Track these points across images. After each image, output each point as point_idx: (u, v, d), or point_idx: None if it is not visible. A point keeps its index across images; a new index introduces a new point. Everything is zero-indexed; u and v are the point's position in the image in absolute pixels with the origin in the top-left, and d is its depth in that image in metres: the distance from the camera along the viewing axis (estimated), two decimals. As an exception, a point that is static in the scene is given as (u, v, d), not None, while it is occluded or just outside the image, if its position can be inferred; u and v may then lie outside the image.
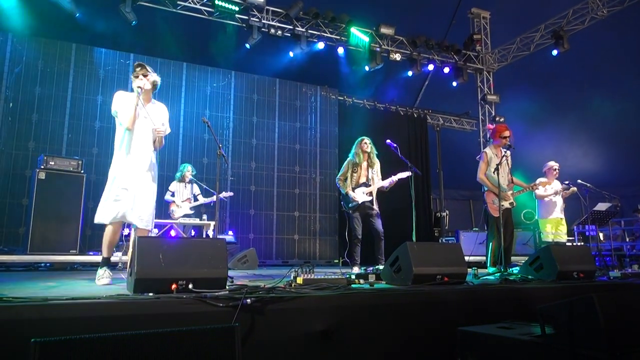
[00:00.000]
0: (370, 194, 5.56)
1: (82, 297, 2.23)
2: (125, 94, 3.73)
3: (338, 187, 5.80)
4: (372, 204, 5.54)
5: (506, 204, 5.14)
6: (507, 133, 5.34)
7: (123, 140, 3.69)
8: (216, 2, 7.57)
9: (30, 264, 5.78)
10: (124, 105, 3.63)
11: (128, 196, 3.55)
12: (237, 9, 7.85)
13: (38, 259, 5.73)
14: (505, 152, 5.30)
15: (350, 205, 5.57)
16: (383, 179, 5.60)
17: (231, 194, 7.43)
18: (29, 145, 7.07)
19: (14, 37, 7.16)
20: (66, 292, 2.65)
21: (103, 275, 3.41)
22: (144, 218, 3.60)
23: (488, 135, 5.67)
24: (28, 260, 5.69)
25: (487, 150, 5.50)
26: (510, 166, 5.45)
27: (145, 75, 3.70)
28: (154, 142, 3.79)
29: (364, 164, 5.65)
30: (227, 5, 7.71)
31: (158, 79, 3.83)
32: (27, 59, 7.21)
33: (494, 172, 5.10)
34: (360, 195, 5.53)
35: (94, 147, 7.51)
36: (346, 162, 5.75)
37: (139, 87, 3.61)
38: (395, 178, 5.53)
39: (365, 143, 5.61)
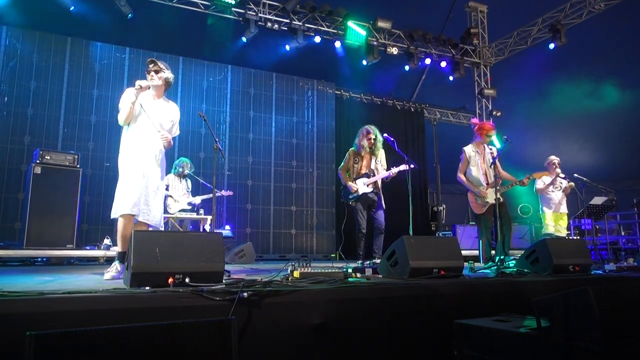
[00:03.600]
0: (374, 185, 5.32)
1: (78, 291, 2.22)
2: (132, 91, 3.62)
3: (339, 177, 5.59)
4: (375, 196, 5.31)
5: (490, 200, 5.10)
6: (493, 132, 5.35)
7: (128, 135, 3.63)
8: (212, -5, 7.54)
9: (27, 259, 5.76)
10: (125, 101, 3.56)
11: (138, 190, 3.52)
12: (233, 2, 7.80)
13: (34, 253, 5.71)
14: (499, 149, 5.28)
15: (350, 197, 5.34)
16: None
17: (230, 193, 7.35)
18: (25, 140, 7.03)
19: (9, 30, 7.10)
20: (62, 286, 2.64)
21: (111, 269, 3.33)
22: (146, 212, 3.56)
23: (474, 129, 5.60)
24: (24, 255, 5.68)
25: (466, 148, 5.39)
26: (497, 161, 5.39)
27: (157, 72, 3.63)
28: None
29: (367, 155, 5.43)
30: (223, -2, 7.67)
31: (171, 76, 3.74)
32: (21, 52, 7.16)
33: (490, 166, 5.11)
34: (361, 187, 5.29)
35: (90, 142, 7.47)
36: (348, 152, 5.55)
37: (139, 85, 3.52)
38: (394, 170, 5.29)
39: (369, 135, 5.34)
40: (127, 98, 3.56)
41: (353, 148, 5.48)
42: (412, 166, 5.29)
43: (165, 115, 3.74)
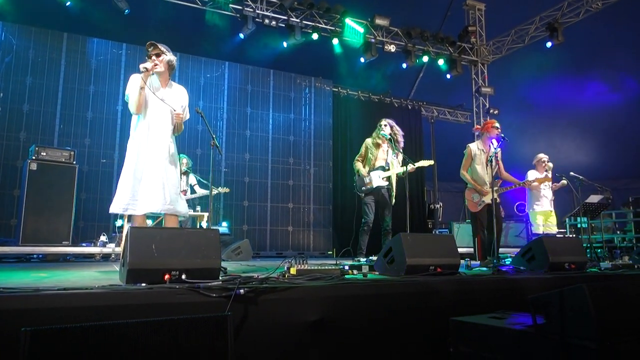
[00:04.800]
0: (388, 179, 5.19)
1: (74, 288, 2.22)
2: (138, 76, 3.50)
3: (354, 168, 5.36)
4: (389, 192, 5.18)
5: (487, 200, 5.10)
6: (497, 124, 5.33)
7: (137, 126, 3.53)
8: (210, -9, 7.50)
9: (22, 256, 5.74)
10: (133, 88, 3.46)
11: (143, 186, 3.41)
12: (230, -2, 7.78)
13: (30, 250, 5.69)
14: (496, 147, 5.26)
15: (363, 188, 5.18)
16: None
17: (227, 190, 7.33)
18: (20, 136, 6.99)
19: (4, 25, 7.05)
20: (58, 282, 2.63)
21: None
22: (170, 202, 3.46)
23: (477, 134, 5.62)
24: (20, 252, 5.66)
25: (472, 145, 5.37)
26: (499, 161, 5.38)
27: (158, 56, 3.50)
28: (174, 127, 3.61)
29: (384, 146, 5.27)
30: (220, -6, 7.64)
31: (173, 58, 3.61)
32: (17, 48, 7.11)
33: (487, 165, 5.10)
34: (375, 179, 5.14)
35: (87, 138, 7.44)
36: (365, 142, 5.38)
37: (144, 67, 3.40)
38: (414, 166, 5.02)
39: (388, 121, 5.25)
40: (135, 84, 3.47)
41: (371, 139, 5.33)
42: (432, 162, 5.24)
43: (175, 100, 3.64)
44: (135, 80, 3.51)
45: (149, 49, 3.54)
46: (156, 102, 3.54)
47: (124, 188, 3.43)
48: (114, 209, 3.45)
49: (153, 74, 3.54)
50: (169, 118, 3.59)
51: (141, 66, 3.43)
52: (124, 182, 3.45)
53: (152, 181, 3.44)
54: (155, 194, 3.44)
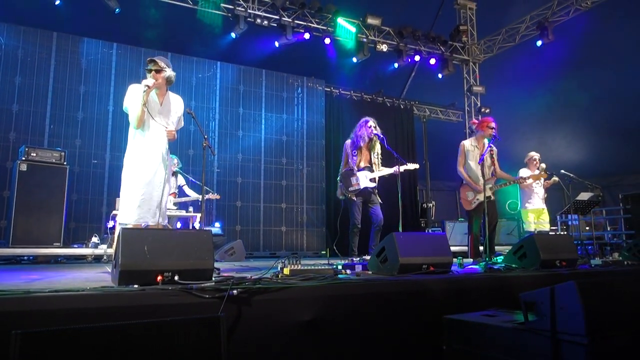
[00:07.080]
0: (374, 180, 5.19)
1: (65, 290, 2.20)
2: (138, 88, 3.59)
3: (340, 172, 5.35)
4: (375, 192, 5.19)
5: (481, 198, 5.14)
6: (493, 124, 5.37)
7: (135, 137, 3.65)
8: (201, -10, 7.48)
9: (13, 257, 5.68)
10: (133, 102, 3.55)
11: (145, 197, 3.56)
12: (222, -2, 7.75)
13: (20, 252, 5.63)
14: (490, 145, 5.30)
15: (350, 189, 5.12)
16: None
17: (218, 196, 7.28)
18: (10, 136, 6.91)
19: (-8, 25, 6.98)
20: (49, 284, 2.61)
21: None
22: (160, 214, 3.64)
23: (473, 128, 5.67)
24: (10, 254, 5.60)
25: (465, 142, 5.48)
26: (495, 159, 5.43)
27: (158, 72, 3.60)
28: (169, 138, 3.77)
29: (366, 148, 5.26)
30: (212, -6, 7.62)
31: (172, 74, 3.71)
32: (6, 47, 7.03)
33: (479, 163, 5.13)
34: (363, 180, 5.12)
35: (77, 139, 7.37)
36: (345, 144, 5.34)
37: (146, 85, 3.52)
38: (400, 169, 5.06)
39: (370, 126, 5.16)
40: (135, 98, 3.55)
41: (353, 141, 5.27)
42: (417, 166, 5.30)
43: (172, 111, 3.78)
44: (135, 92, 3.59)
45: (149, 65, 3.62)
46: (154, 115, 3.67)
47: (132, 199, 3.55)
48: (125, 219, 3.55)
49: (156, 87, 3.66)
50: (164, 130, 3.72)
51: (143, 83, 3.53)
52: (131, 193, 3.57)
53: (154, 194, 3.60)
54: (155, 206, 3.61)
